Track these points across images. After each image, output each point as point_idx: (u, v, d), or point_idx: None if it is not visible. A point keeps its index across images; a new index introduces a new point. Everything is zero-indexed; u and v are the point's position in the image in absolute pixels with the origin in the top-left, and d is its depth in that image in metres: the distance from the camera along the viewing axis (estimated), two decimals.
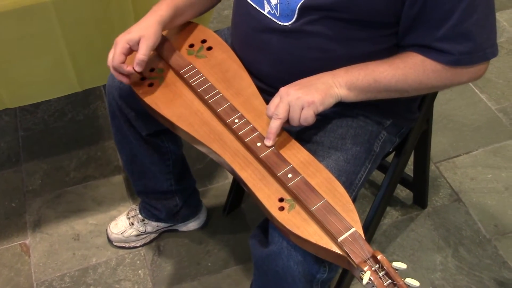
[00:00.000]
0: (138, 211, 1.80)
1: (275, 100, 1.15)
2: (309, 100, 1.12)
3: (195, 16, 1.41)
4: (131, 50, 1.28)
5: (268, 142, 1.14)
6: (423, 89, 1.21)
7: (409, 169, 1.79)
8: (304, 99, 1.12)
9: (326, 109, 1.15)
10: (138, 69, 1.27)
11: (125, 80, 1.30)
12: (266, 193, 1.10)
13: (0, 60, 1.52)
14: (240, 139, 1.18)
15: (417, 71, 1.16)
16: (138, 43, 1.26)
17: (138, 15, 1.57)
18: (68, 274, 1.76)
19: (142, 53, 1.25)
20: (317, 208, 1.05)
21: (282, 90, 1.16)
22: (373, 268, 0.96)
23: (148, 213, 1.77)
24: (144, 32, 1.26)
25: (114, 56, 1.27)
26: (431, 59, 1.15)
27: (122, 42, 1.26)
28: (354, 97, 1.18)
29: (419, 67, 1.16)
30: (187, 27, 1.42)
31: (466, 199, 1.89)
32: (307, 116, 1.13)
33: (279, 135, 1.16)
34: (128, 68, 1.27)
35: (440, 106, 2.17)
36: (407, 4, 1.12)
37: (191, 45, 1.38)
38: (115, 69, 1.28)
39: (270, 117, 1.15)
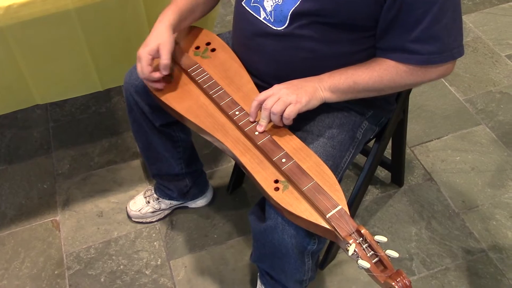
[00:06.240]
0: (153, 191, 1.79)
1: (268, 91, 1.14)
2: (297, 99, 1.11)
3: (196, 20, 1.38)
4: (153, 59, 1.24)
5: (251, 119, 1.15)
6: (398, 88, 1.19)
7: (388, 152, 1.78)
8: (292, 97, 1.11)
9: (309, 109, 1.14)
10: (165, 72, 1.24)
11: (158, 86, 1.27)
12: (263, 175, 1.09)
13: (30, 61, 1.50)
14: (240, 128, 1.17)
15: (391, 72, 1.15)
16: (158, 51, 1.23)
17: (150, 20, 1.54)
18: (93, 246, 1.75)
19: (165, 58, 1.23)
20: (308, 189, 1.04)
21: (276, 86, 1.14)
22: (357, 241, 0.96)
23: (162, 192, 1.76)
24: (160, 40, 1.23)
25: (142, 69, 1.23)
26: (403, 63, 1.14)
27: (144, 55, 1.23)
28: (337, 98, 1.17)
29: (393, 68, 1.15)
30: (194, 31, 1.40)
31: (438, 178, 1.88)
32: (290, 112, 1.11)
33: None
34: (157, 75, 1.24)
35: (414, 97, 2.15)
36: (385, 8, 1.10)
37: (197, 47, 1.36)
38: (147, 79, 1.25)
39: (256, 101, 1.14)
